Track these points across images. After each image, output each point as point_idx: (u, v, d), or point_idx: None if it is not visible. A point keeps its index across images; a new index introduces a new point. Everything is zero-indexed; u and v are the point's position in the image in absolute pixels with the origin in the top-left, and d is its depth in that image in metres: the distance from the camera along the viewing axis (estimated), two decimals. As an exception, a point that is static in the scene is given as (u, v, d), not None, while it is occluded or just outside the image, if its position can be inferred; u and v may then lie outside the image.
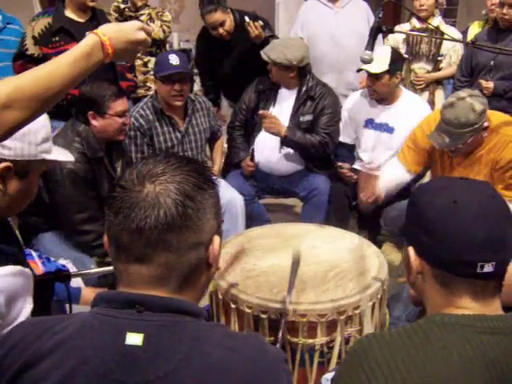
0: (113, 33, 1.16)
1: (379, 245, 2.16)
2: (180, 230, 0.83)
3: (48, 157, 1.31)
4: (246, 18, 3.19)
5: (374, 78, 2.78)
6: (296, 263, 1.74)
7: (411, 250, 1.00)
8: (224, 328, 0.90)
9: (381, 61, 2.71)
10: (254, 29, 3.13)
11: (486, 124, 2.22)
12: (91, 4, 2.97)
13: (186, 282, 0.86)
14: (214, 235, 0.90)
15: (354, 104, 3.07)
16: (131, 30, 1.20)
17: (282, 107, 3.05)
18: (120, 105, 2.29)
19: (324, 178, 3.02)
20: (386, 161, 2.90)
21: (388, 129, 2.90)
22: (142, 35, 1.22)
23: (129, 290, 0.85)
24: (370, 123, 2.97)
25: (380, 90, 2.83)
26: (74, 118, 2.34)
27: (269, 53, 2.89)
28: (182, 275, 0.85)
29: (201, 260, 0.87)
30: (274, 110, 3.04)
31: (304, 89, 3.00)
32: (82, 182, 2.18)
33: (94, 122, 2.27)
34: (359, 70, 2.88)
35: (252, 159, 3.07)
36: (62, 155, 1.40)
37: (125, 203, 0.83)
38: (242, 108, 3.14)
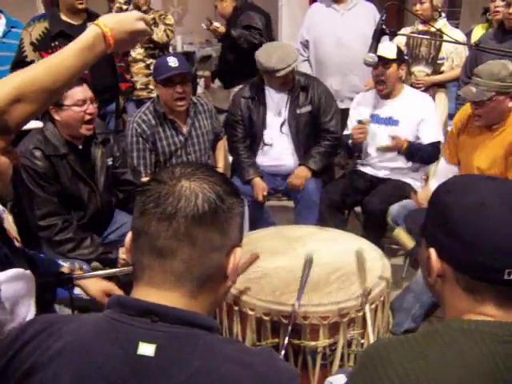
0: (113, 23, 1.16)
1: (383, 247, 2.16)
2: (208, 227, 0.83)
3: None
4: (203, 26, 3.77)
5: (384, 64, 2.80)
6: (308, 265, 1.73)
7: (433, 252, 0.94)
8: (238, 344, 0.88)
9: (390, 49, 2.80)
10: (214, 31, 3.82)
11: None
12: (80, 7, 2.96)
13: (203, 286, 0.86)
14: (236, 246, 0.90)
15: (359, 102, 3.12)
16: (131, 20, 1.20)
17: (275, 107, 3.06)
18: (77, 93, 2.13)
19: (314, 180, 3.02)
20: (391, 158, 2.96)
21: (393, 122, 2.95)
22: (141, 25, 1.21)
23: (149, 290, 0.84)
24: (375, 118, 3.01)
25: (389, 80, 2.86)
26: (41, 117, 2.22)
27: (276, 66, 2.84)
28: (201, 277, 0.85)
29: (220, 266, 0.87)
30: (268, 113, 3.05)
31: (294, 82, 3.01)
32: (41, 179, 2.13)
33: (56, 117, 2.17)
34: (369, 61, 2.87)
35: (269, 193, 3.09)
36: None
37: (158, 193, 0.83)
38: (239, 120, 3.12)
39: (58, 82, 1.09)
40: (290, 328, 1.58)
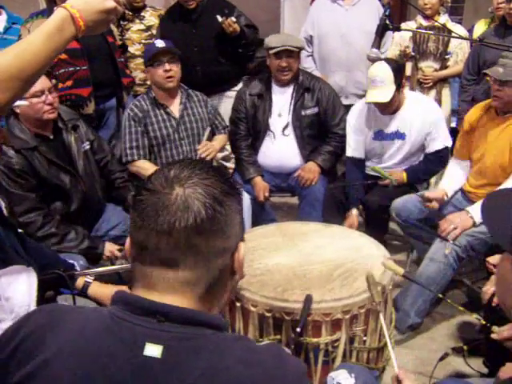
0: (81, 4, 1.11)
1: (386, 243, 2.15)
2: (208, 234, 0.81)
3: None
4: (219, 18, 3.16)
5: (385, 105, 2.70)
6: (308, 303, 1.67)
7: None
8: (246, 341, 0.86)
9: (387, 83, 2.63)
10: (228, 26, 3.16)
11: None
12: None
13: (212, 289, 0.85)
14: (239, 242, 0.89)
15: (358, 117, 2.93)
16: (99, 0, 1.14)
17: (280, 106, 3.04)
18: (35, 84, 2.13)
19: (321, 177, 3.00)
20: (396, 165, 2.91)
21: (399, 135, 2.84)
22: (110, 4, 1.15)
23: (149, 293, 0.82)
24: (379, 135, 2.88)
25: (393, 107, 2.76)
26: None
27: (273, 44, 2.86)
28: (209, 282, 0.84)
29: (226, 266, 0.86)
30: (273, 111, 3.03)
31: (298, 82, 3.00)
32: (17, 176, 2.12)
33: (16, 110, 2.16)
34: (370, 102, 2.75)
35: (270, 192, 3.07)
36: None
37: (153, 206, 0.81)
38: (243, 117, 3.11)
39: (28, 69, 1.05)
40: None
